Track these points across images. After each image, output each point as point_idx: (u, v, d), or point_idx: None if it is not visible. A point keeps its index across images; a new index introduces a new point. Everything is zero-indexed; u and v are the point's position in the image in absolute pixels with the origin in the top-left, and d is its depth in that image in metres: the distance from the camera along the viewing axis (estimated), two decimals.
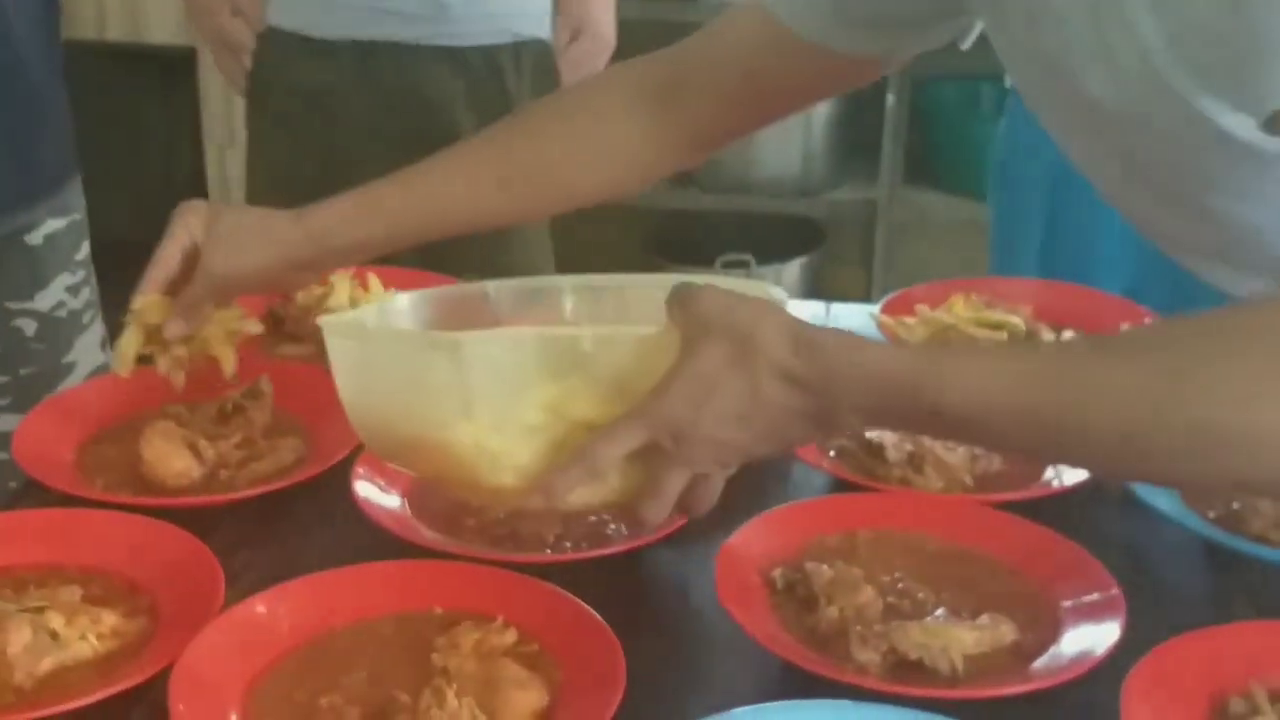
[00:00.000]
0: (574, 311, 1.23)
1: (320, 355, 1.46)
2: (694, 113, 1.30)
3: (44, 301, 1.69)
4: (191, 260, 1.28)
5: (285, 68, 2.08)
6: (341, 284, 1.57)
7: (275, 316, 1.56)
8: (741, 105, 1.31)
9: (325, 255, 1.32)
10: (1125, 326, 1.57)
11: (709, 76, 1.29)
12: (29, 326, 1.69)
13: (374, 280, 1.60)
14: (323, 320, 1.12)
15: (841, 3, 1.19)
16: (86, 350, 1.75)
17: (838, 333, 0.95)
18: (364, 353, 1.11)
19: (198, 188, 3.27)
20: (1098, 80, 1.02)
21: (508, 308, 1.23)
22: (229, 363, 1.32)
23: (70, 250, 1.72)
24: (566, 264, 2.06)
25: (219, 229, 1.29)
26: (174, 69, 3.23)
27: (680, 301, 0.99)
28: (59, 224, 1.69)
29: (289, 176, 2.08)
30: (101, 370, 1.74)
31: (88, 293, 1.76)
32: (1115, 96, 1.02)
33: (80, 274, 1.74)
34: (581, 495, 1.03)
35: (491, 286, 1.25)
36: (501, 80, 2.07)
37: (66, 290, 1.72)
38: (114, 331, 1.75)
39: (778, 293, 1.10)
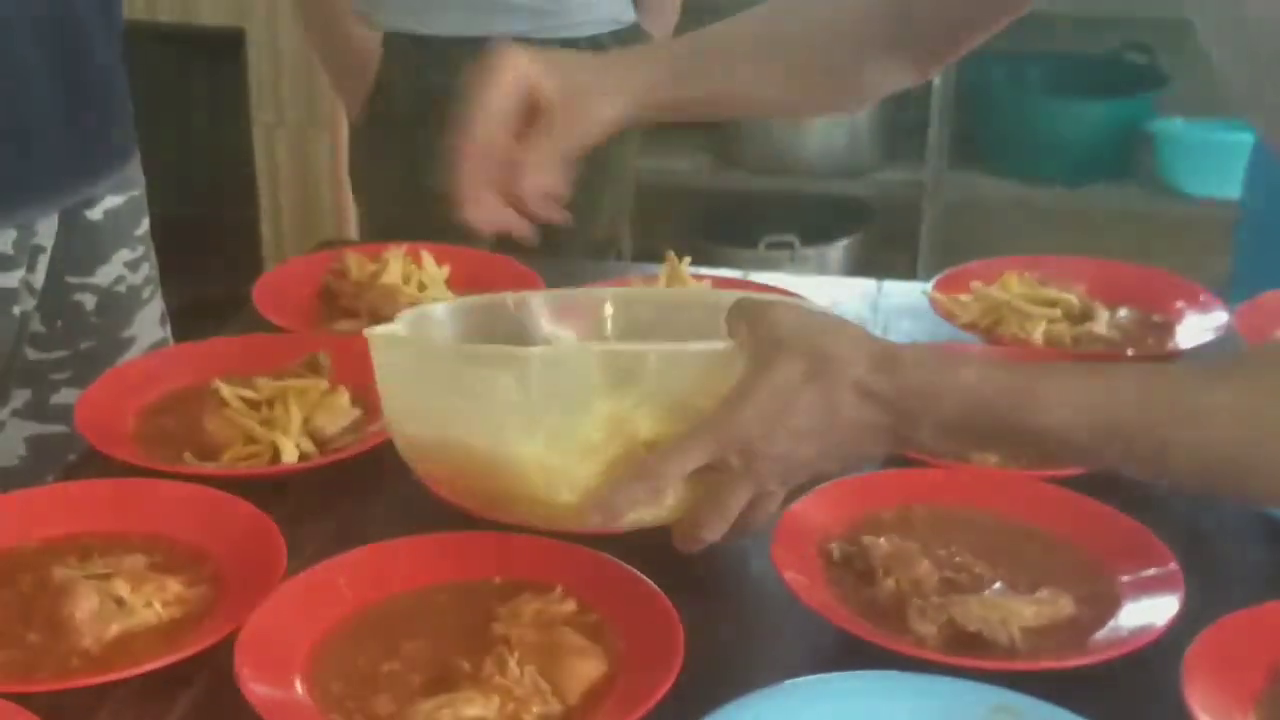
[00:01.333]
0: (613, 321, 1.21)
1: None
2: (920, 28, 1.31)
3: (104, 276, 1.70)
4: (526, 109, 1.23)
5: (401, 72, 2.07)
6: (395, 260, 1.57)
7: (330, 292, 1.57)
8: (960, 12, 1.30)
9: (658, 108, 1.31)
10: (1180, 304, 1.57)
11: None
12: (89, 301, 1.69)
13: (427, 257, 1.60)
14: (370, 333, 1.07)
15: None
16: (146, 325, 1.75)
17: (918, 349, 0.95)
18: (417, 367, 1.07)
19: (246, 166, 3.28)
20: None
21: (546, 318, 1.20)
22: None
23: (130, 226, 1.73)
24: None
25: (573, 80, 1.24)
26: (222, 50, 3.25)
27: (747, 319, 0.97)
28: (119, 200, 1.70)
29: (407, 184, 2.05)
30: (160, 344, 1.76)
31: (147, 268, 1.76)
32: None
33: (140, 249, 1.75)
34: (638, 513, 1.01)
35: (530, 297, 1.23)
36: None
37: (126, 265, 1.72)
38: (171, 306, 1.77)
39: (811, 302, 1.10)
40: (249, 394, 1.29)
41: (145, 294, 1.76)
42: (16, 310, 1.59)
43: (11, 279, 1.56)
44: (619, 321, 1.20)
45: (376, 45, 2.06)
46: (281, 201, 3.33)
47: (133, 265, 1.73)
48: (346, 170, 2.28)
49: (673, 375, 0.98)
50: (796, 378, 0.93)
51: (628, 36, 2.15)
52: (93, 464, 1.26)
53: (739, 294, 1.12)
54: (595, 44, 2.08)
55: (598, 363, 0.98)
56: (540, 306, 1.21)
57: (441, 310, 1.18)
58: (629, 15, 2.18)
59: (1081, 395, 0.90)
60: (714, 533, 0.99)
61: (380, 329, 1.06)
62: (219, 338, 1.49)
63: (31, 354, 1.67)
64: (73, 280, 1.67)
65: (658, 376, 0.98)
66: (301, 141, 3.28)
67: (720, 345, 0.98)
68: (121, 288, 1.72)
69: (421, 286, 1.56)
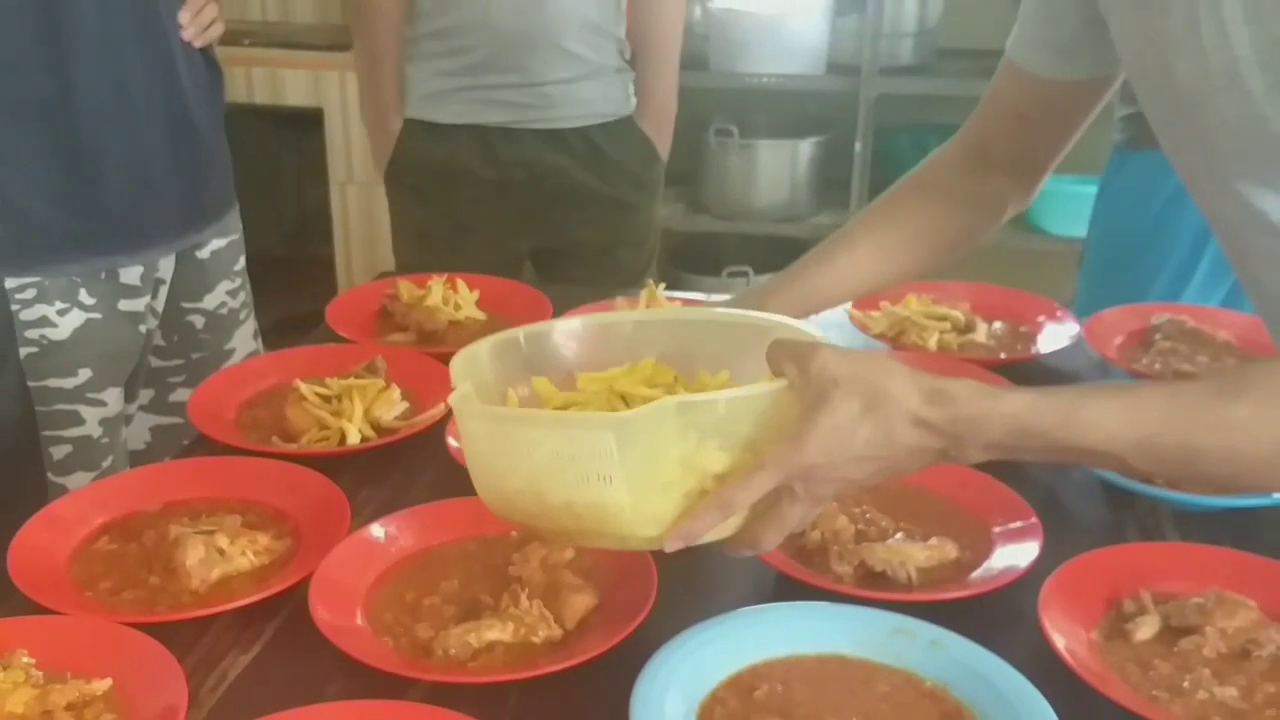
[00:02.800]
0: (632, 339, 1.04)
1: (420, 341, 1.49)
2: (1003, 166, 1.23)
3: (210, 302, 1.70)
4: None
5: (419, 150, 2.03)
6: (437, 287, 1.57)
7: (386, 311, 1.57)
8: (1032, 143, 1.23)
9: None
10: (1041, 318, 1.57)
11: (999, 133, 1.22)
12: (199, 321, 1.69)
13: (461, 285, 1.60)
14: (455, 401, 0.91)
15: (1045, 36, 1.14)
16: (243, 339, 1.76)
17: (965, 383, 0.87)
18: (504, 431, 0.91)
19: (324, 214, 3.29)
20: (1184, 70, 0.97)
21: (575, 345, 1.05)
22: None
23: (230, 263, 1.73)
24: (575, 261, 2.05)
25: None
26: (305, 124, 3.24)
27: (795, 360, 0.88)
28: (221, 243, 1.70)
29: (424, 234, 2.06)
30: (254, 354, 1.76)
31: (244, 295, 1.77)
32: (1195, 86, 0.97)
33: (238, 281, 1.75)
34: (711, 535, 0.90)
35: (558, 326, 1.07)
36: (604, 153, 2.02)
37: (227, 294, 1.72)
38: (265, 323, 1.77)
39: (808, 327, 0.98)
40: (322, 390, 1.29)
41: (242, 315, 1.76)
42: (143, 328, 1.59)
43: (139, 304, 1.57)
44: (640, 340, 1.04)
45: (400, 121, 2.04)
46: (352, 241, 3.32)
47: (232, 293, 1.73)
48: None
49: (737, 416, 0.88)
50: (855, 412, 0.85)
51: (616, 129, 2.04)
52: (202, 446, 1.26)
53: (745, 315, 1.04)
54: (583, 136, 2.00)
55: (675, 412, 0.85)
56: (574, 333, 1.06)
57: (484, 346, 1.00)
58: (625, 109, 2.06)
59: (1115, 416, 0.84)
60: (774, 543, 0.90)
61: (459, 397, 0.91)
62: (300, 347, 1.48)
63: (155, 361, 1.67)
64: (186, 305, 1.67)
65: (724, 419, 0.88)
66: (367, 195, 3.27)
67: (776, 386, 0.88)
68: (224, 310, 1.72)
69: (457, 307, 1.56)
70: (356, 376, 1.32)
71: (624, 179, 2.05)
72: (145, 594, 1.00)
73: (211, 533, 1.04)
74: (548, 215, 2.01)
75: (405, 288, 1.57)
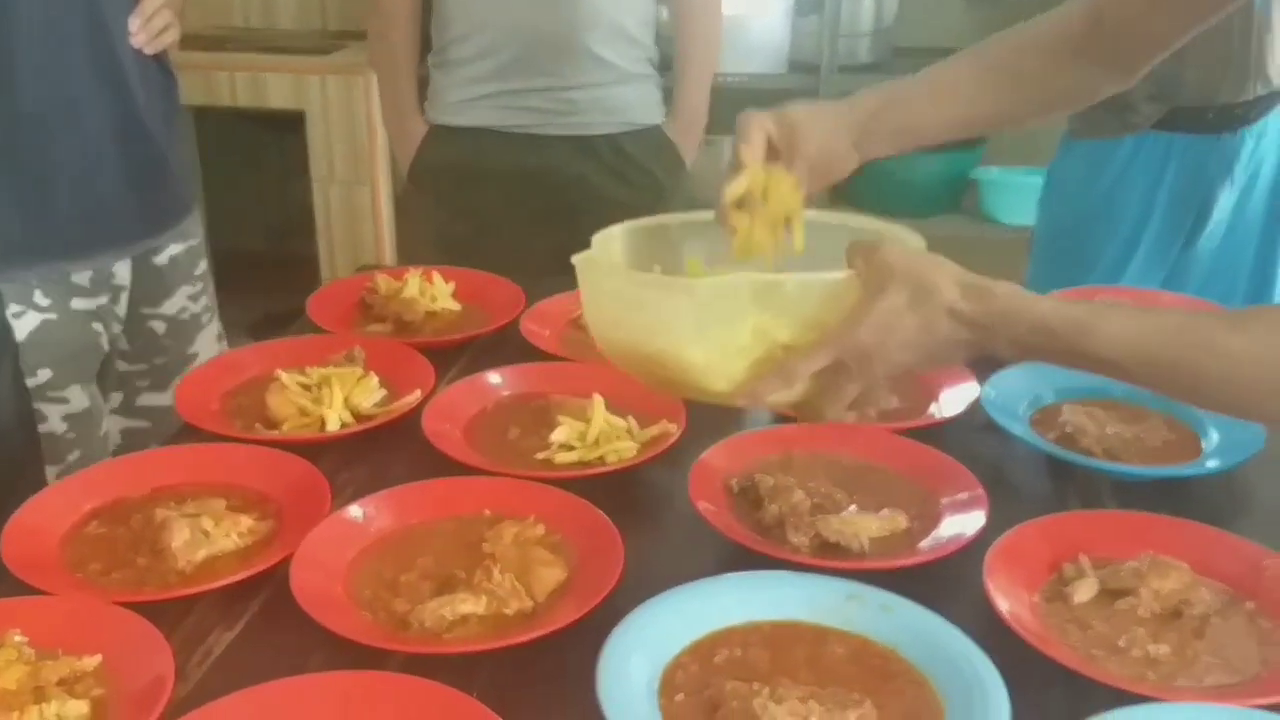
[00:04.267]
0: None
1: (398, 331, 1.49)
2: (1114, 39, 1.15)
3: (170, 307, 1.68)
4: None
5: (444, 154, 1.97)
6: (414, 279, 1.56)
7: (365, 303, 1.56)
8: (1152, 21, 1.14)
9: (864, 141, 1.17)
10: None
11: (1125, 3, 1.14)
12: (160, 326, 1.68)
13: (437, 277, 1.58)
14: (578, 258, 1.02)
15: None
16: (206, 343, 1.74)
17: (1004, 284, 0.91)
18: (614, 289, 1.02)
19: (307, 213, 3.27)
20: None
21: (682, 238, 1.15)
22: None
23: (190, 267, 1.71)
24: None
25: (804, 126, 1.12)
26: (287, 126, 3.23)
27: (863, 254, 0.94)
28: (179, 248, 1.68)
29: (443, 237, 1.99)
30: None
31: (205, 299, 1.75)
32: None
33: (199, 285, 1.73)
34: (774, 398, 0.99)
35: (673, 220, 1.17)
36: (632, 160, 1.95)
37: (188, 298, 1.70)
38: (250, 317, 1.75)
39: (915, 238, 1.03)
40: (303, 379, 1.28)
41: (204, 319, 1.75)
42: (99, 327, 1.58)
43: (90, 304, 1.56)
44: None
45: (424, 128, 1.98)
46: (334, 238, 3.31)
47: (194, 298, 1.72)
48: (387, 212, 2.18)
49: (805, 297, 0.95)
50: (904, 301, 0.91)
51: (644, 138, 1.96)
52: (188, 433, 1.25)
53: (868, 222, 1.09)
54: (611, 142, 1.92)
55: (748, 288, 0.95)
56: (684, 229, 1.16)
57: (617, 230, 1.12)
58: (654, 119, 1.97)
59: (1132, 331, 0.86)
60: (833, 413, 0.97)
61: (584, 255, 1.02)
62: (281, 339, 1.48)
63: (121, 365, 1.67)
64: (146, 310, 1.66)
65: (793, 298, 0.95)
66: (348, 193, 3.26)
67: (841, 274, 0.94)
68: (185, 315, 1.71)
69: (433, 298, 1.55)
70: (336, 366, 1.31)
71: (649, 186, 1.98)
72: (133, 575, 1.00)
73: (196, 516, 1.04)
74: (570, 220, 1.94)
75: (383, 281, 1.57)
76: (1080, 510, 1.09)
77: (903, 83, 1.21)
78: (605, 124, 1.92)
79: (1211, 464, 1.19)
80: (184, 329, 1.71)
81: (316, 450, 1.17)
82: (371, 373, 1.31)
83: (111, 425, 1.68)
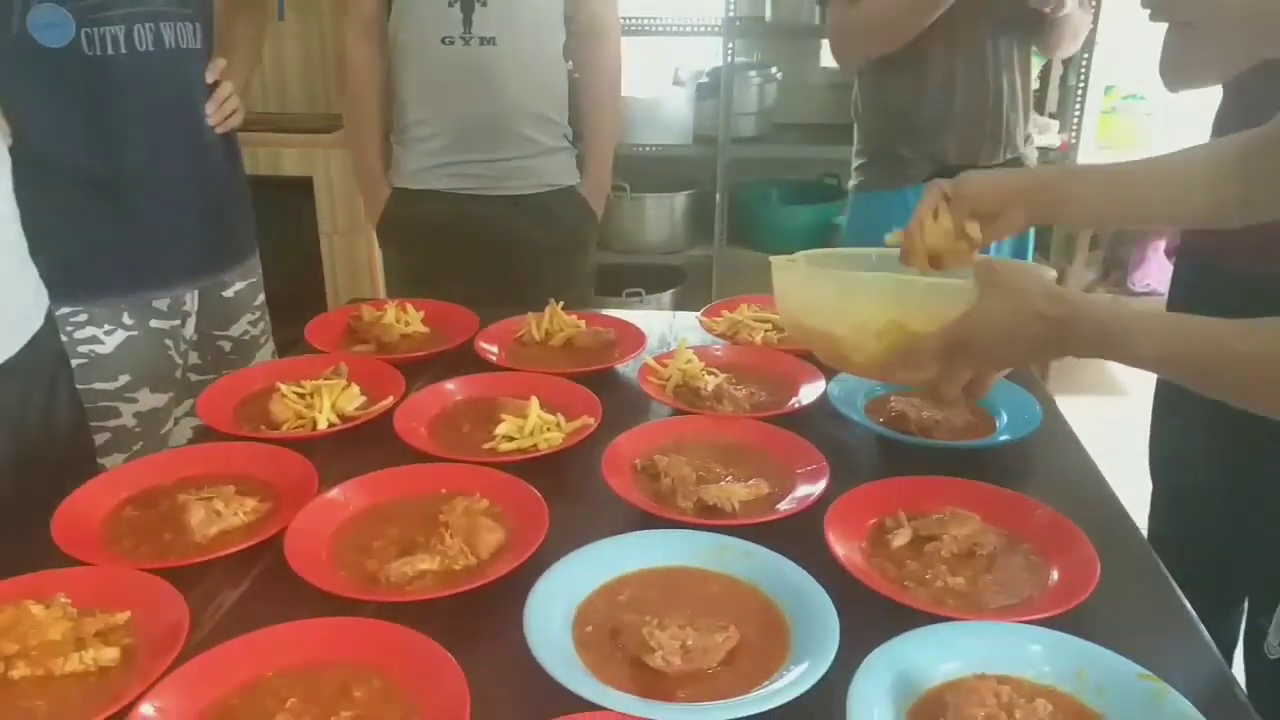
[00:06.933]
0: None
1: (379, 350, 1.48)
2: (1253, 178, 0.99)
3: (235, 330, 1.68)
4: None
5: (406, 213, 1.96)
6: (391, 309, 1.55)
7: (351, 328, 1.54)
8: None
9: (1033, 206, 1.08)
10: None
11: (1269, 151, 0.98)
12: (226, 346, 1.68)
13: (410, 307, 1.57)
14: (775, 260, 1.12)
15: None
16: (263, 358, 1.73)
17: (1082, 294, 0.89)
18: (788, 278, 1.11)
19: (316, 258, 3.25)
20: None
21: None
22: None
23: (251, 299, 1.71)
24: (534, 290, 1.93)
25: (968, 185, 1.09)
26: (299, 188, 3.20)
27: (985, 267, 0.95)
28: (243, 284, 1.68)
29: (413, 279, 1.97)
30: None
31: (263, 325, 1.74)
32: None
33: (258, 314, 1.73)
34: (903, 376, 1.03)
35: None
36: (552, 213, 1.94)
37: (249, 323, 1.70)
38: (281, 349, 1.74)
39: (1048, 271, 1.04)
40: (298, 390, 1.28)
41: (262, 340, 1.74)
42: (169, 342, 1.57)
43: (166, 324, 1.56)
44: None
45: (389, 191, 1.97)
46: (337, 276, 3.29)
47: (254, 323, 1.71)
48: (378, 256, 2.14)
49: (934, 297, 0.97)
50: (1002, 305, 0.91)
51: (563, 196, 1.95)
52: (208, 434, 1.24)
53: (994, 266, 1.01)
54: (537, 200, 1.92)
55: (889, 285, 1.00)
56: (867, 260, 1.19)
57: (802, 255, 1.19)
58: (569, 180, 1.96)
59: (1166, 337, 0.81)
60: (949, 394, 0.97)
61: (776, 258, 1.12)
62: (281, 360, 1.46)
63: (193, 378, 1.65)
64: (216, 333, 1.66)
65: (921, 295, 0.98)
66: (349, 243, 3.24)
67: (962, 282, 0.96)
68: (247, 337, 1.70)
69: (406, 324, 1.54)
70: (325, 378, 1.31)
71: (568, 234, 1.99)
72: (159, 547, 0.99)
73: (211, 499, 1.03)
74: (506, 261, 1.96)
75: (366, 311, 1.55)
76: (899, 477, 1.10)
77: (1085, 165, 1.18)
78: (532, 186, 1.94)
79: (1002, 438, 1.21)
80: (246, 348, 1.70)
81: (310, 446, 1.17)
82: (354, 384, 1.30)
83: (185, 425, 1.67)
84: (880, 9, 1.72)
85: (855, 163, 1.94)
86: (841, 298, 1.02)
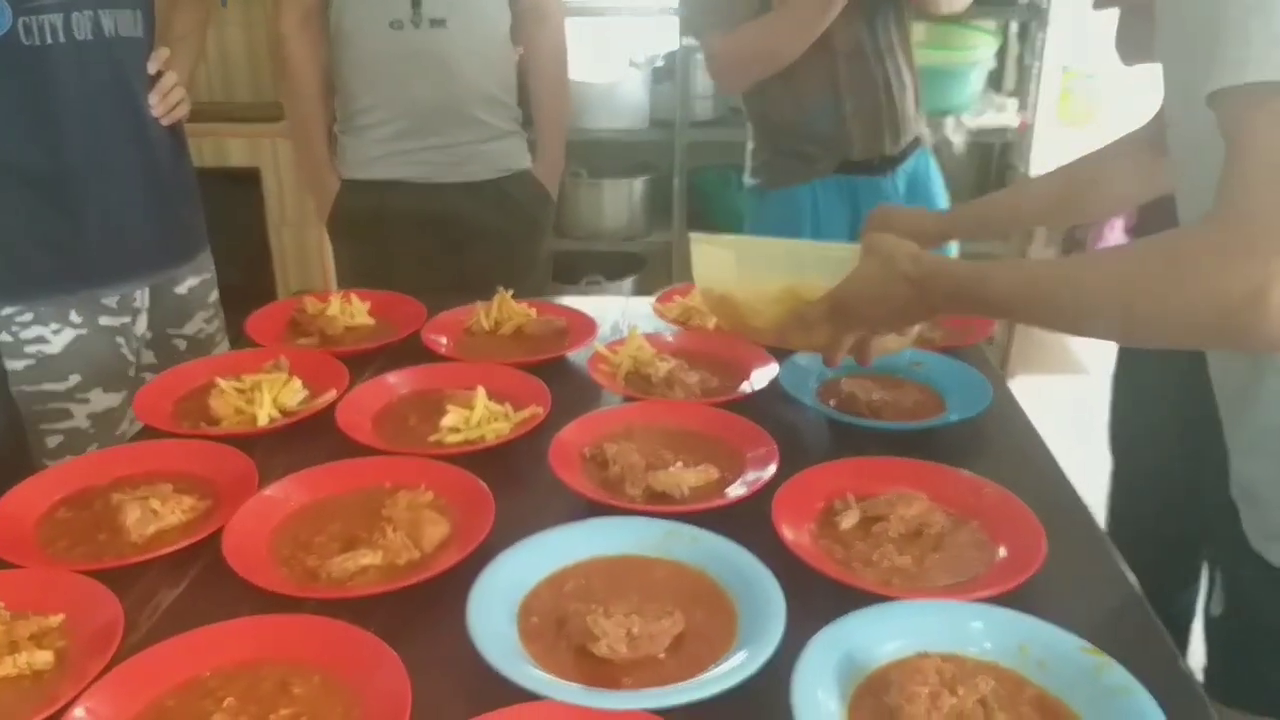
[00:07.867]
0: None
1: (323, 343, 1.47)
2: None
3: (190, 329, 1.67)
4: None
5: (356, 204, 1.93)
6: (335, 300, 1.54)
7: (295, 321, 1.53)
8: None
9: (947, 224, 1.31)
10: None
11: None
12: (181, 344, 1.66)
13: (354, 297, 1.56)
14: (694, 236, 1.19)
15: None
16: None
17: (942, 257, 0.95)
18: (700, 249, 1.18)
19: (265, 251, 3.21)
20: None
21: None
22: None
23: (205, 296, 1.69)
24: (491, 278, 1.89)
25: (892, 214, 1.33)
26: (246, 180, 3.16)
27: (867, 239, 1.00)
28: (196, 280, 1.66)
29: (367, 272, 1.92)
30: None
31: (218, 322, 1.73)
32: None
33: (211, 310, 1.71)
34: (796, 341, 1.08)
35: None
36: (508, 197, 1.93)
37: (204, 321, 1.69)
38: (231, 346, 1.72)
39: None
40: (238, 385, 1.27)
41: (217, 338, 1.73)
42: (119, 340, 1.55)
43: (115, 321, 1.54)
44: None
45: (337, 183, 1.94)
46: (287, 269, 3.26)
47: (208, 320, 1.70)
48: (328, 248, 2.13)
49: (822, 264, 1.04)
50: (874, 269, 0.96)
51: (518, 180, 1.94)
52: (145, 433, 1.23)
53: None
54: (493, 185, 1.91)
55: (782, 252, 1.12)
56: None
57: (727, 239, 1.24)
58: (523, 164, 1.96)
59: (1018, 278, 0.83)
60: (834, 358, 1.03)
61: (694, 234, 1.19)
62: (221, 354, 1.45)
63: (148, 376, 1.62)
64: (170, 331, 1.65)
65: (810, 263, 1.07)
66: (297, 234, 3.21)
67: (845, 250, 1.04)
68: (202, 335, 1.69)
69: (351, 315, 1.53)
70: (266, 372, 1.30)
71: (524, 218, 1.98)
72: (94, 548, 0.99)
73: (147, 498, 1.02)
74: (460, 250, 1.94)
75: (310, 302, 1.54)
76: (851, 458, 1.11)
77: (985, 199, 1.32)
78: (487, 171, 1.92)
79: (951, 418, 1.23)
80: (201, 346, 1.69)
81: (251, 442, 1.16)
82: (295, 378, 1.29)
83: (136, 426, 1.65)
84: (761, 36, 1.69)
85: (752, 163, 1.90)
86: (740, 264, 1.11)
